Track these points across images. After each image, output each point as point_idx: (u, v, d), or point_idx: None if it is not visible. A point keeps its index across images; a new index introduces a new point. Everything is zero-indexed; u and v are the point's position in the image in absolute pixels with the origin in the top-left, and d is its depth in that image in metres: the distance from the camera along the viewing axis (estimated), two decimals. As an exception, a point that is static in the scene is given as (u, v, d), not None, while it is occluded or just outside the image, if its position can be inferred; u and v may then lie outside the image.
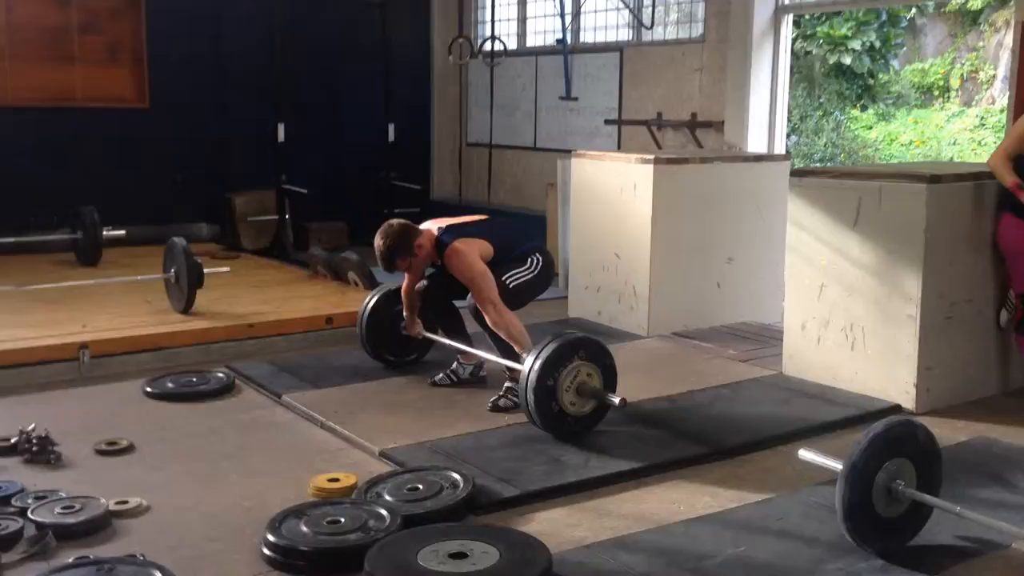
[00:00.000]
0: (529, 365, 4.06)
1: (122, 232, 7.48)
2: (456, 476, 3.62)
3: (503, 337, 4.49)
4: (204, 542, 3.26)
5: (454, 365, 4.94)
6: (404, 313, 5.01)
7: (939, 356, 4.68)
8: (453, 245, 4.56)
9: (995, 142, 13.27)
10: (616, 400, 4.07)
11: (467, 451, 3.99)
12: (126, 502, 3.47)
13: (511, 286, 4.61)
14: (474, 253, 4.55)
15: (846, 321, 4.87)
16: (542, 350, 4.07)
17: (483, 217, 5.06)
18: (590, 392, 4.11)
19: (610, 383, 4.20)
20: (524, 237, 4.91)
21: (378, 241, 4.58)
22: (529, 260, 4.72)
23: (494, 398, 4.55)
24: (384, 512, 3.30)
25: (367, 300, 5.23)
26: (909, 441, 3.15)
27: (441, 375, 4.92)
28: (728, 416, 4.53)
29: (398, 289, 5.13)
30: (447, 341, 4.94)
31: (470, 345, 4.88)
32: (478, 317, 4.59)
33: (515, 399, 4.48)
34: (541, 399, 4.02)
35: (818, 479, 3.62)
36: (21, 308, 5.90)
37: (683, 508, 3.56)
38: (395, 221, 4.68)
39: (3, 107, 8.18)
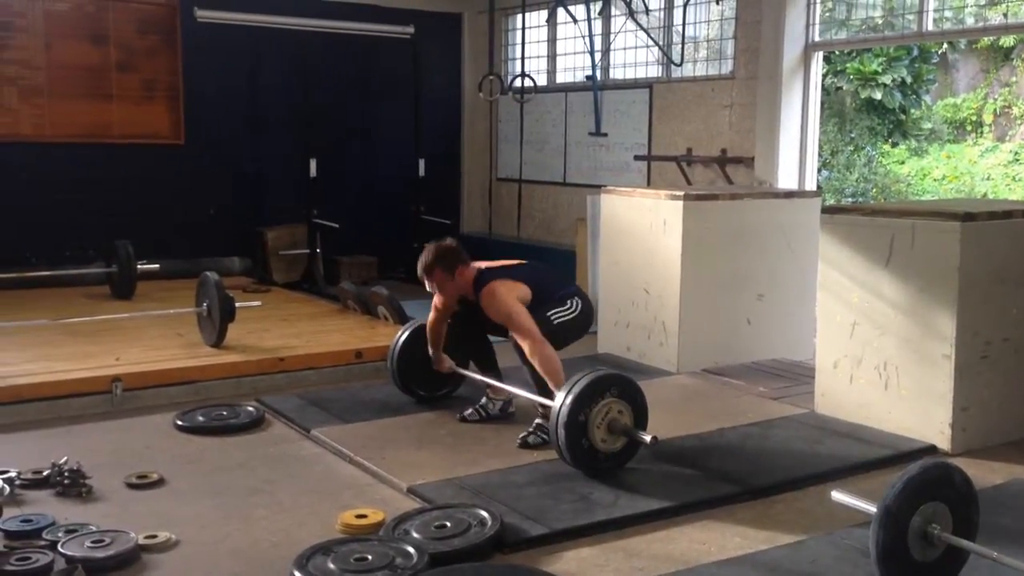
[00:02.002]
0: (560, 401, 4.05)
1: (156, 266, 7.58)
2: (484, 514, 3.60)
3: (537, 369, 4.47)
4: (232, 578, 3.26)
5: (483, 401, 4.94)
6: (429, 349, 5.02)
7: (975, 396, 4.61)
8: (490, 285, 4.58)
9: (1030, 178, 13.14)
10: (647, 438, 4.04)
11: (495, 488, 3.97)
12: (155, 536, 3.49)
13: (555, 323, 4.62)
14: (511, 293, 4.57)
15: (879, 360, 4.82)
16: (573, 386, 4.05)
17: (522, 261, 5.07)
18: (621, 429, 4.08)
19: (641, 420, 4.17)
20: (562, 283, 4.92)
21: (427, 250, 4.66)
22: (569, 302, 4.73)
23: (523, 435, 4.53)
24: (411, 550, 3.29)
25: (399, 335, 5.24)
26: (945, 484, 3.09)
27: (470, 411, 4.91)
28: (759, 455, 4.48)
29: (420, 328, 5.16)
30: (477, 376, 4.93)
31: (500, 380, 4.88)
32: (520, 351, 4.57)
33: (544, 436, 4.47)
34: (572, 435, 4.00)
35: (851, 521, 3.57)
36: (55, 341, 5.97)
37: (713, 549, 3.52)
38: (450, 240, 4.76)
39: (41, 142, 8.33)
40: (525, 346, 4.46)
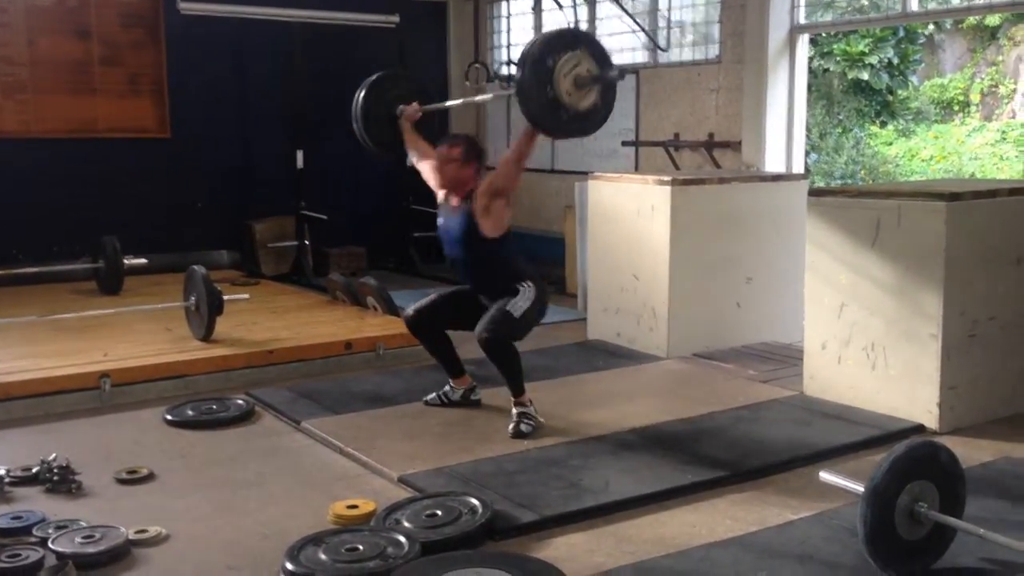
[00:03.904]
0: (531, 41, 3.95)
1: (143, 260, 7.55)
2: (475, 502, 3.60)
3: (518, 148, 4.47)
4: (223, 570, 3.26)
5: (446, 388, 4.96)
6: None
7: (962, 375, 4.63)
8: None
9: (1017, 156, 13.19)
10: (614, 73, 3.98)
11: (486, 476, 3.98)
12: (146, 531, 3.48)
13: (517, 316, 4.51)
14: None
15: (867, 340, 4.83)
16: (545, 33, 4.05)
17: None
18: (589, 80, 3.93)
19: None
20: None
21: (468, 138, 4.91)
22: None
23: (512, 425, 4.52)
24: (402, 539, 3.30)
25: (358, 95, 5.46)
26: (931, 462, 3.11)
27: (432, 396, 4.96)
28: (748, 438, 4.49)
29: (383, 77, 5.49)
30: (447, 104, 5.05)
31: (462, 372, 4.94)
32: (487, 346, 4.50)
33: (533, 424, 4.49)
34: (540, 78, 3.85)
35: (840, 501, 3.59)
36: (43, 337, 5.95)
37: (703, 532, 3.53)
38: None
39: (26, 138, 8.29)
40: (513, 155, 4.53)
